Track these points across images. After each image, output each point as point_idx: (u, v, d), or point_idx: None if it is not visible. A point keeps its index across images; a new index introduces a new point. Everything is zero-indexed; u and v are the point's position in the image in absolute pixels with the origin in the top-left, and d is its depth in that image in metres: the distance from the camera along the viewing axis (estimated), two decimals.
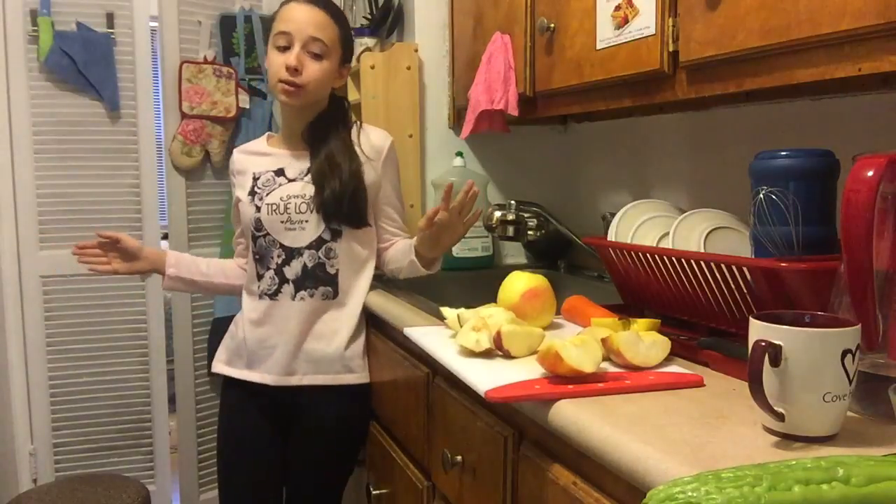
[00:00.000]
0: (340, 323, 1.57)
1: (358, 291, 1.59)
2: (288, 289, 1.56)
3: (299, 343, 1.56)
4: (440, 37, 2.00)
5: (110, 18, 2.36)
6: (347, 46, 1.60)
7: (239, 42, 2.41)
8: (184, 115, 2.35)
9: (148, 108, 2.42)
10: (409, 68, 1.94)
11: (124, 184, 2.42)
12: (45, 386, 2.40)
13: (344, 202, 1.51)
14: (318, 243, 1.55)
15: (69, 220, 2.38)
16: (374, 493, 1.56)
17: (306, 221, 1.54)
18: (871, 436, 0.76)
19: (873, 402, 0.79)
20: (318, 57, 1.51)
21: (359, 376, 1.59)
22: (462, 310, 1.20)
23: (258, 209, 1.56)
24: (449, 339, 1.18)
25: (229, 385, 1.65)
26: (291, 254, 1.55)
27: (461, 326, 1.14)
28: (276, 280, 1.56)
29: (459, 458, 1.16)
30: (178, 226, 2.41)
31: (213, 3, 2.40)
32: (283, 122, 1.65)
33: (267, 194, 1.56)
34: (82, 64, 2.31)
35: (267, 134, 1.71)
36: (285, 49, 1.50)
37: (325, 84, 1.56)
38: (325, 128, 1.58)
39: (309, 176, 1.55)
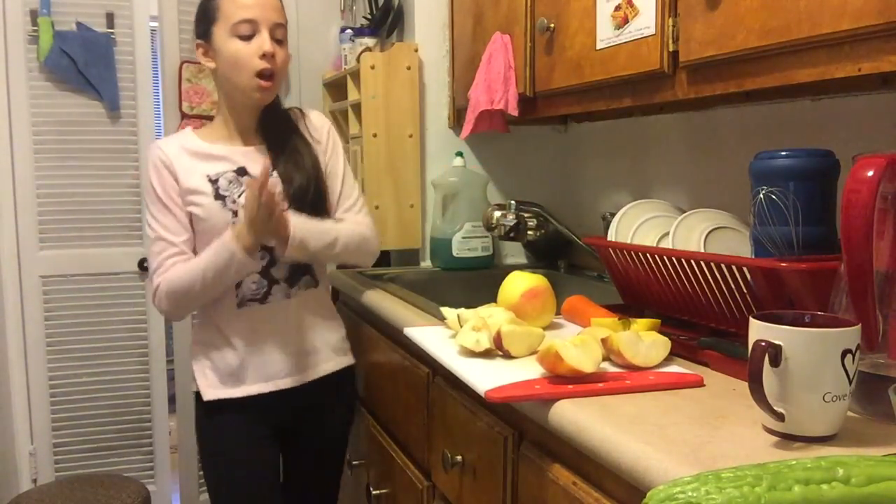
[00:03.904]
0: (326, 308, 1.56)
1: (326, 273, 1.57)
2: (280, 289, 1.47)
3: (305, 338, 1.51)
4: (440, 37, 2.00)
5: (110, 18, 2.36)
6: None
7: None
8: (184, 115, 2.35)
9: (148, 108, 2.42)
10: (409, 68, 1.94)
11: (124, 184, 2.42)
12: (45, 386, 2.40)
13: (310, 193, 1.46)
14: None
15: (69, 220, 2.38)
16: (374, 493, 1.56)
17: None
18: (871, 436, 0.76)
19: (873, 402, 0.79)
20: (280, 43, 1.43)
21: (351, 357, 1.59)
22: (462, 310, 1.20)
23: (234, 213, 1.41)
24: (449, 339, 1.18)
25: (218, 409, 1.47)
26: (275, 253, 1.44)
27: (461, 326, 1.14)
28: (264, 283, 1.45)
29: (459, 458, 1.16)
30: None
31: None
32: (231, 117, 1.48)
33: (239, 196, 1.42)
34: (82, 64, 2.32)
35: (189, 129, 1.52)
36: (248, 38, 1.39)
37: (286, 73, 1.51)
38: (276, 118, 1.50)
39: (275, 172, 1.45)
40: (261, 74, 1.39)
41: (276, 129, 1.50)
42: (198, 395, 1.49)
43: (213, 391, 1.47)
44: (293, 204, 1.43)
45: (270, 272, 1.46)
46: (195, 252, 1.43)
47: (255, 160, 1.46)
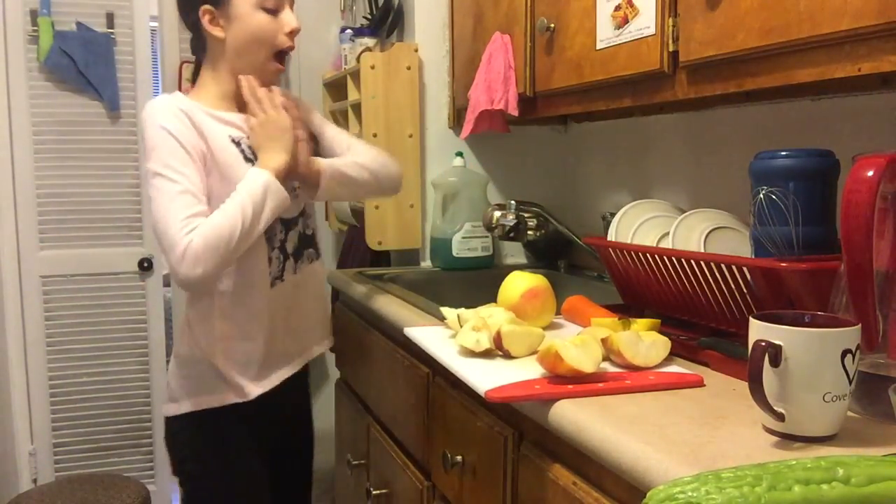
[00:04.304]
0: (324, 283, 1.53)
1: (322, 249, 1.52)
2: (289, 263, 1.39)
3: (317, 312, 1.47)
4: (440, 37, 2.00)
5: (110, 18, 2.36)
6: None
7: None
8: None
9: None
10: (409, 68, 1.94)
11: (124, 184, 2.42)
12: (45, 386, 2.40)
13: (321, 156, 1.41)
14: (306, 207, 1.43)
15: (69, 220, 2.38)
16: (373, 493, 1.56)
17: (298, 187, 1.37)
18: (871, 436, 0.76)
19: (873, 402, 0.79)
20: None
21: (332, 337, 1.59)
22: (462, 310, 1.20)
23: None
24: (449, 339, 1.18)
25: (213, 417, 1.35)
26: (288, 225, 1.38)
27: (461, 326, 1.14)
28: (280, 258, 1.37)
29: (459, 458, 1.16)
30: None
31: None
32: (229, 84, 1.35)
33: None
34: (82, 64, 2.32)
35: (179, 94, 1.35)
36: (274, 12, 1.30)
37: None
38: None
39: None
40: (281, 53, 1.33)
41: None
42: (176, 417, 1.37)
43: (253, 387, 1.35)
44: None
45: (285, 246, 1.38)
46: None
47: None
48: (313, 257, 1.46)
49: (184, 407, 1.36)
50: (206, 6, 1.30)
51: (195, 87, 1.38)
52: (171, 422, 1.39)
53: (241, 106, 1.35)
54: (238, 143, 1.32)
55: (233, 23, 1.30)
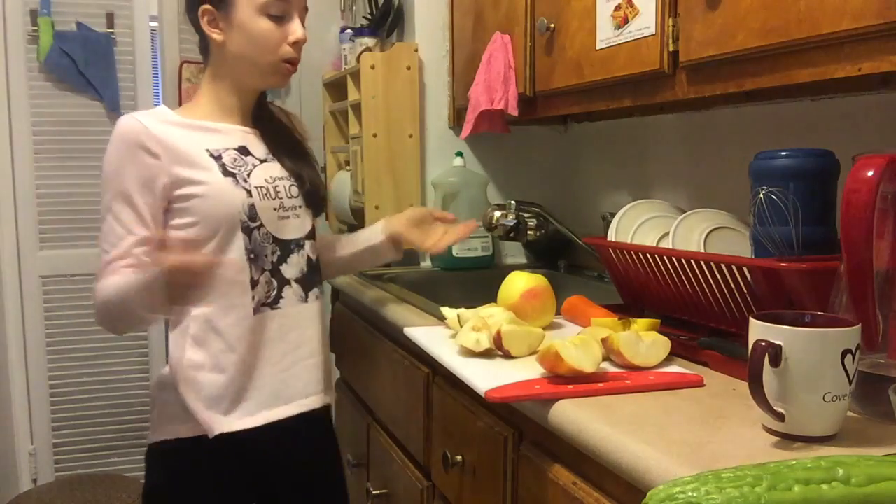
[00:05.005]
0: (326, 322, 1.37)
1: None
2: (292, 291, 1.26)
3: (324, 350, 1.32)
4: (440, 37, 2.00)
5: (110, 18, 2.36)
6: None
7: None
8: None
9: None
10: (409, 68, 1.94)
11: None
12: (45, 386, 2.40)
13: (321, 190, 1.33)
14: (313, 231, 1.32)
15: (69, 220, 2.38)
16: (373, 493, 1.56)
17: (300, 207, 1.28)
18: (871, 436, 0.76)
19: (873, 402, 0.79)
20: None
21: (333, 392, 1.42)
22: (462, 310, 1.20)
23: (248, 192, 1.21)
24: (449, 339, 1.18)
25: (175, 450, 1.22)
26: (288, 248, 1.26)
27: (461, 326, 1.14)
28: (274, 284, 1.24)
29: (459, 458, 1.16)
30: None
31: None
32: (230, 95, 1.28)
33: (248, 175, 1.23)
34: (82, 64, 2.32)
35: (163, 107, 1.31)
36: (279, 20, 1.22)
37: None
38: (265, 105, 1.35)
39: (275, 159, 1.29)
40: (288, 61, 1.25)
41: (267, 116, 1.34)
42: (157, 446, 1.24)
43: (220, 423, 1.20)
44: (307, 203, 1.30)
45: (280, 270, 1.25)
46: (197, 242, 1.19)
47: (255, 144, 1.28)
48: (320, 291, 1.33)
49: (154, 436, 1.26)
50: (207, 6, 1.22)
51: (195, 94, 1.32)
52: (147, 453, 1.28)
53: (243, 116, 1.30)
54: (218, 157, 1.22)
55: (233, 27, 1.22)
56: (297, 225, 1.28)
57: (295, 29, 1.23)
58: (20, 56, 2.28)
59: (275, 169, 1.28)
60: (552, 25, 1.45)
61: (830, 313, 0.81)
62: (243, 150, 1.26)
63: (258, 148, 1.29)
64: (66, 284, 2.40)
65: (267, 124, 1.33)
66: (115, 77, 2.36)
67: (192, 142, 1.21)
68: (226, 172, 1.21)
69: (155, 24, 2.36)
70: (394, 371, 1.50)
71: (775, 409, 0.74)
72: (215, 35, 1.24)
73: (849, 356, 0.72)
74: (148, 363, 2.50)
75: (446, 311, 1.23)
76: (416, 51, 1.96)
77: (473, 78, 1.72)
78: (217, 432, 1.20)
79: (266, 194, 1.24)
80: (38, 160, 2.33)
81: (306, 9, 1.27)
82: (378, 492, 1.56)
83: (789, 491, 0.57)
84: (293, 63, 1.25)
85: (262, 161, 1.27)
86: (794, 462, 0.59)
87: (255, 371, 1.23)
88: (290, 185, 1.28)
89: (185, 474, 1.25)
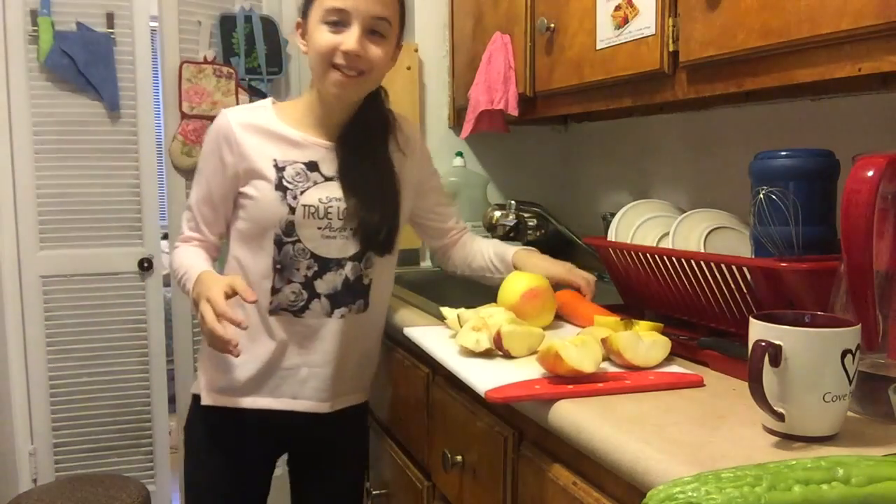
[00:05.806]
0: (370, 339, 1.40)
1: (384, 302, 1.40)
2: (320, 305, 1.29)
3: (342, 365, 1.34)
4: (440, 37, 2.00)
5: (110, 18, 2.35)
6: (404, 23, 1.32)
7: (239, 42, 2.41)
8: (184, 115, 2.35)
9: (148, 108, 2.42)
10: (409, 68, 1.94)
11: (124, 184, 2.42)
12: (45, 386, 2.40)
13: (382, 234, 1.31)
14: (362, 254, 1.31)
15: (69, 220, 2.38)
16: (373, 493, 1.56)
17: (351, 229, 1.29)
18: (871, 436, 0.76)
19: (873, 402, 0.79)
20: (380, 38, 1.24)
21: (367, 392, 1.48)
22: (462, 310, 1.20)
23: (292, 210, 1.26)
24: (449, 339, 1.18)
25: (216, 416, 1.35)
26: (327, 265, 1.29)
27: (461, 326, 1.14)
28: (304, 295, 1.29)
29: (459, 458, 1.16)
30: (179, 226, 2.41)
31: (213, 3, 2.40)
32: (319, 105, 1.32)
33: (301, 192, 1.27)
34: (82, 64, 2.31)
35: (270, 100, 1.36)
36: (337, 26, 1.22)
37: (384, 72, 1.30)
38: (364, 128, 1.33)
39: (337, 180, 1.31)
40: (335, 66, 1.24)
41: (359, 140, 1.32)
42: (196, 396, 1.38)
43: (214, 396, 1.34)
44: (360, 240, 1.30)
45: (314, 284, 1.29)
46: (232, 234, 1.33)
47: (329, 159, 1.31)
48: (362, 308, 1.33)
49: (194, 388, 1.40)
50: (300, 19, 1.30)
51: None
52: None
53: (329, 128, 1.32)
54: (281, 169, 1.27)
55: (308, 37, 1.27)
56: (340, 246, 1.30)
57: (346, 39, 1.22)
58: (20, 56, 2.28)
59: (333, 189, 1.29)
60: (552, 25, 1.45)
61: (830, 313, 0.81)
62: (311, 166, 1.30)
63: (329, 165, 1.30)
64: (66, 284, 2.39)
65: (350, 141, 1.32)
66: (115, 77, 2.35)
67: (262, 151, 1.29)
68: (279, 186, 1.27)
69: (155, 24, 2.35)
70: (394, 371, 1.50)
71: (775, 409, 0.74)
72: (301, 45, 1.31)
73: (849, 356, 0.72)
74: (148, 363, 2.49)
75: (446, 311, 1.23)
76: (416, 51, 1.96)
77: (473, 78, 1.73)
78: (207, 403, 1.34)
79: (313, 213, 1.27)
80: (38, 160, 2.32)
81: (381, 18, 1.24)
82: (378, 492, 1.56)
83: (789, 491, 0.57)
84: (340, 70, 1.23)
85: (327, 180, 1.30)
86: (794, 462, 0.59)
87: (257, 361, 1.31)
88: (344, 209, 1.29)
89: (207, 437, 1.38)
